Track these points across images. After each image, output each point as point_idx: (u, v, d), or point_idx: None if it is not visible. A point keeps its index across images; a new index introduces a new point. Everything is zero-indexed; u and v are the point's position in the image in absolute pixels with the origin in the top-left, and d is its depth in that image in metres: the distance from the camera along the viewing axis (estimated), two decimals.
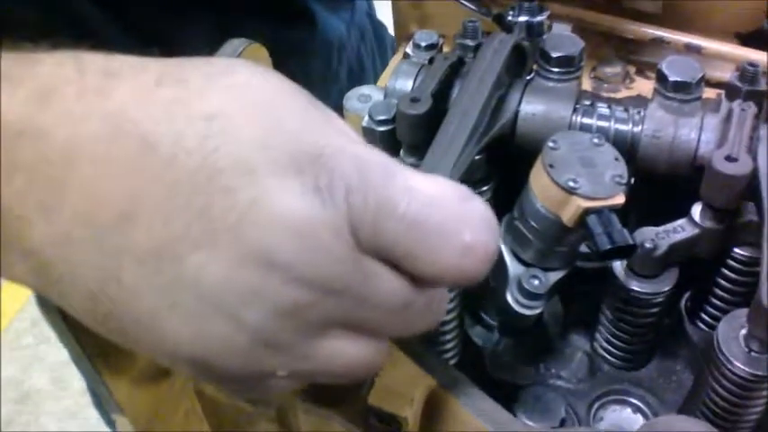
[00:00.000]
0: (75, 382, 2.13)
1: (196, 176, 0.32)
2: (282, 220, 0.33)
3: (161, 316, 0.34)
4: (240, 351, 0.35)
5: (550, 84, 0.59)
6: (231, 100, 0.34)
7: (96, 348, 0.50)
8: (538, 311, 0.53)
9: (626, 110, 0.58)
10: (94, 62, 0.34)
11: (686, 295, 0.64)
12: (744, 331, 0.49)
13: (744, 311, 0.49)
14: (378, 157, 0.36)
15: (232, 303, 0.34)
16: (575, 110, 0.57)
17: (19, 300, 2.32)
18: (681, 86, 0.56)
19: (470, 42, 0.63)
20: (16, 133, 0.32)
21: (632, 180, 0.56)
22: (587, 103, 0.59)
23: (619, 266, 0.57)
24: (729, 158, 0.51)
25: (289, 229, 0.33)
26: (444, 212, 0.35)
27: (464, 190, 0.37)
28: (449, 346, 0.61)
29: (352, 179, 0.34)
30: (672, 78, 0.56)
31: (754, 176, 0.51)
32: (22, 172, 0.32)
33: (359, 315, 0.36)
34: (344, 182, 0.34)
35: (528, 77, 0.61)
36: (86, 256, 0.33)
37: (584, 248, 0.55)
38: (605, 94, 0.75)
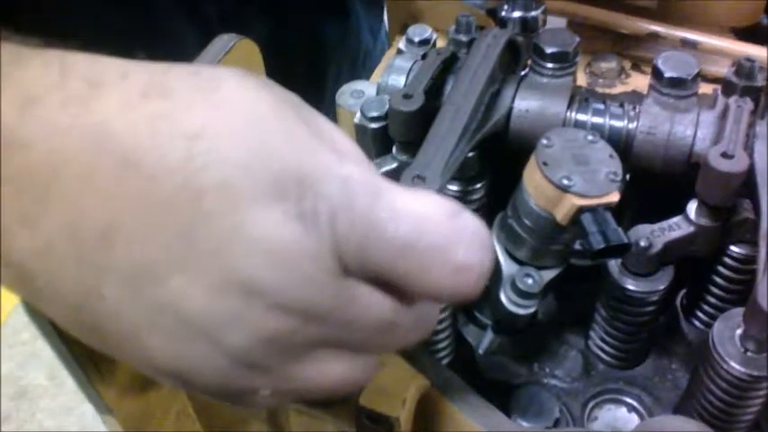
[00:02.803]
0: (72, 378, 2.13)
1: (177, 198, 0.31)
2: (263, 246, 0.32)
3: (142, 333, 0.33)
4: (220, 372, 0.34)
5: (545, 80, 0.58)
6: (217, 117, 0.33)
7: (85, 352, 0.49)
8: (532, 310, 0.52)
9: (621, 106, 0.57)
10: (79, 67, 0.33)
11: (682, 293, 0.64)
12: (740, 331, 0.49)
13: (740, 310, 0.49)
14: (364, 177, 0.35)
15: (212, 328, 0.33)
16: (569, 106, 0.57)
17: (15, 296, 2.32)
18: (676, 82, 0.55)
19: (464, 37, 0.62)
20: (4, 143, 0.31)
21: (627, 177, 0.56)
22: (582, 98, 0.58)
23: (614, 265, 0.56)
24: (725, 155, 0.51)
25: (270, 256, 0.32)
26: (434, 232, 0.34)
27: (453, 205, 0.36)
28: (442, 345, 0.60)
29: (337, 201, 0.33)
30: (667, 74, 0.55)
31: (750, 173, 0.51)
32: (8, 183, 0.32)
33: (344, 338, 0.36)
34: (329, 206, 0.33)
35: (522, 73, 0.60)
36: (68, 270, 0.32)
37: (578, 246, 0.55)
38: (600, 90, 0.74)
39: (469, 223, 0.35)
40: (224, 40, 0.56)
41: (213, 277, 0.32)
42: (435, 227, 0.35)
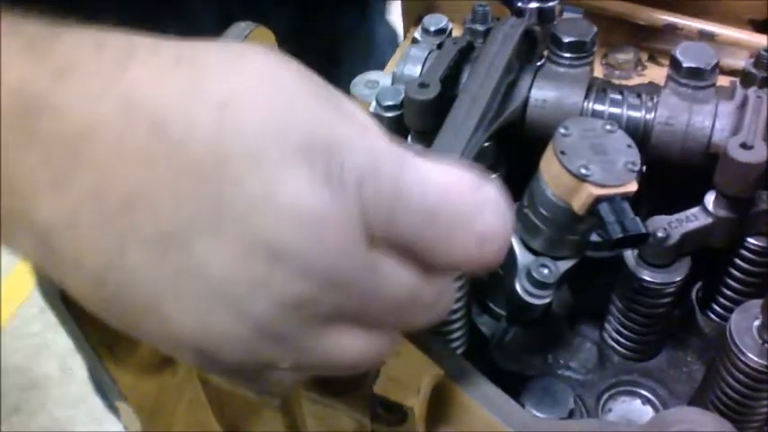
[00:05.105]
0: (82, 369, 2.13)
1: (205, 163, 0.32)
2: (291, 211, 0.32)
3: (165, 303, 0.33)
4: (243, 342, 0.34)
5: (562, 69, 0.58)
6: (245, 86, 0.34)
7: (99, 337, 0.49)
8: (547, 301, 0.52)
9: (638, 96, 0.56)
10: (113, 40, 0.34)
11: (698, 285, 0.63)
12: (758, 322, 0.48)
13: (758, 302, 0.49)
14: (390, 146, 0.35)
15: (237, 294, 0.33)
16: (586, 96, 0.56)
17: (26, 286, 2.33)
18: (695, 73, 0.55)
19: (480, 27, 0.62)
20: (37, 108, 0.32)
21: (644, 168, 0.55)
22: (599, 89, 0.57)
23: (630, 256, 0.56)
24: (744, 146, 0.50)
25: (297, 221, 0.32)
26: (459, 202, 0.35)
27: (477, 176, 0.36)
28: (456, 335, 0.60)
29: (364, 169, 0.34)
30: (686, 64, 0.55)
31: None
32: (38, 148, 0.32)
33: (365, 309, 0.36)
34: (356, 172, 0.34)
35: (539, 63, 0.60)
36: (93, 237, 0.32)
37: (594, 237, 0.54)
38: (617, 81, 0.73)
39: (493, 194, 0.36)
40: (240, 28, 0.56)
41: (239, 242, 0.32)
42: (461, 196, 0.35)
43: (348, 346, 0.37)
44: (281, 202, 0.32)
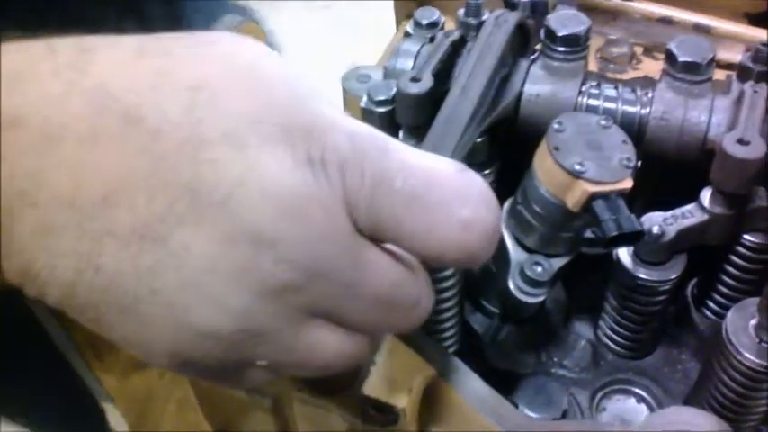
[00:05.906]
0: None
1: (182, 150, 0.31)
2: (272, 195, 0.32)
3: (142, 303, 0.32)
4: (221, 339, 0.33)
5: (556, 63, 0.57)
6: (218, 70, 0.33)
7: (86, 339, 0.48)
8: (540, 299, 0.51)
9: (633, 91, 0.56)
10: (65, 41, 0.33)
11: (693, 282, 0.63)
12: (754, 321, 0.48)
13: (754, 300, 0.48)
14: (371, 132, 0.35)
15: (217, 285, 0.32)
16: (580, 91, 0.56)
17: None
18: (691, 67, 0.54)
19: (473, 20, 0.61)
20: None
21: (639, 163, 0.55)
22: (594, 83, 0.57)
23: (625, 253, 0.55)
24: (741, 141, 0.50)
25: (279, 205, 0.32)
26: (442, 187, 0.35)
27: (460, 165, 0.36)
28: (448, 333, 0.59)
29: (346, 153, 0.33)
30: (681, 59, 0.54)
31: (766, 160, 0.50)
32: (5, 161, 0.31)
33: (345, 304, 0.35)
34: (338, 156, 0.33)
35: (532, 57, 0.59)
36: (66, 242, 0.31)
37: (589, 234, 0.53)
38: (611, 75, 0.72)
39: (476, 182, 0.36)
40: (227, 23, 0.55)
41: (220, 229, 0.31)
42: (443, 183, 0.35)
43: (325, 344, 0.36)
44: (261, 185, 0.31)
